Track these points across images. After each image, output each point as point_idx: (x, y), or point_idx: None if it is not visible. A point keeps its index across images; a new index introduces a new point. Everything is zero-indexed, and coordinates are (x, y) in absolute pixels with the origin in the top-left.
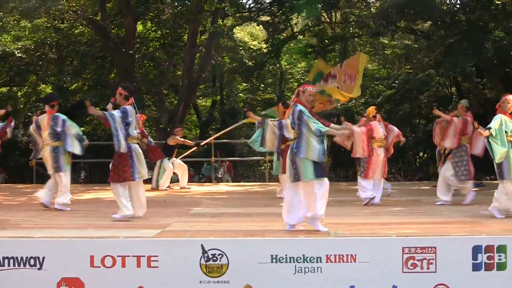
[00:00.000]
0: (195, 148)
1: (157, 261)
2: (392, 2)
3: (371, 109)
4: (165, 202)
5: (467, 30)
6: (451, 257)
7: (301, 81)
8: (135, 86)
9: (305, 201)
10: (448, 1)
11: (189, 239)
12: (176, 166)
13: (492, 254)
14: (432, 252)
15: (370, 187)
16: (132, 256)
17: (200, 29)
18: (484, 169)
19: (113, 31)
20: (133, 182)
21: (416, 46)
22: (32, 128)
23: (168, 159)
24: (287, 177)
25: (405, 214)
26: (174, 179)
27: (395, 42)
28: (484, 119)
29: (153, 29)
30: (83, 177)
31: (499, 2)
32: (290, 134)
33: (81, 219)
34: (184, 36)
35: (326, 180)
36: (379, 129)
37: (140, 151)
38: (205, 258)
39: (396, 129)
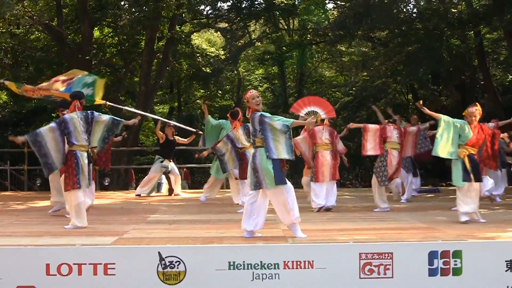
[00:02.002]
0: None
1: (114, 268)
2: (350, 11)
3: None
4: (122, 209)
5: (424, 39)
6: (408, 262)
7: (259, 87)
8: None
9: (263, 208)
10: (405, 10)
11: (146, 247)
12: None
13: (448, 260)
14: (388, 257)
15: (323, 192)
16: (89, 264)
17: (157, 35)
18: (440, 175)
19: (69, 36)
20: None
21: (373, 53)
22: None
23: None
24: (248, 185)
25: (362, 220)
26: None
27: (353, 50)
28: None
29: (110, 35)
30: (38, 184)
31: (455, 11)
32: (240, 143)
33: (36, 226)
34: (142, 42)
35: (290, 184)
36: (322, 133)
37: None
38: (162, 266)
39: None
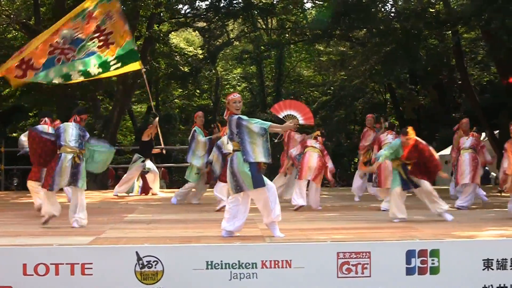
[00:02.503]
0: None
1: (91, 268)
2: (328, 11)
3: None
4: (99, 209)
5: (402, 38)
6: (385, 261)
7: (237, 87)
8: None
9: (244, 211)
10: (383, 10)
11: (124, 246)
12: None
13: (426, 259)
14: (366, 257)
15: (303, 191)
16: (66, 264)
17: (135, 34)
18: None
19: None
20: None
21: (352, 53)
22: None
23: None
24: (229, 189)
25: (339, 219)
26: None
27: (331, 49)
28: (417, 125)
29: None
30: (16, 184)
31: (433, 11)
32: (225, 148)
33: (13, 226)
34: None
35: (271, 183)
36: (313, 142)
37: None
38: (140, 265)
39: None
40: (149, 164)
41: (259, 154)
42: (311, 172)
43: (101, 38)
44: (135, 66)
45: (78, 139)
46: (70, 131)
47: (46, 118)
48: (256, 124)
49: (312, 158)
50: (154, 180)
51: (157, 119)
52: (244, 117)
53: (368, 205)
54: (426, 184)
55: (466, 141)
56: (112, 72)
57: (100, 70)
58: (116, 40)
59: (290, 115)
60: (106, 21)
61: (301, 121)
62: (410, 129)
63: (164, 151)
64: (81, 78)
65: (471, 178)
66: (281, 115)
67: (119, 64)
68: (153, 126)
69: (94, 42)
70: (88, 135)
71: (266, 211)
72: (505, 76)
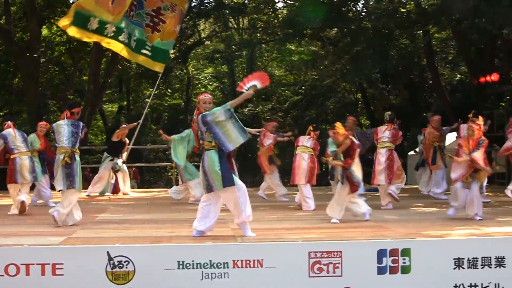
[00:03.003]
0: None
1: (62, 269)
2: (299, 10)
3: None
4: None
5: (373, 38)
6: (357, 261)
7: (208, 86)
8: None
9: (215, 211)
10: (354, 9)
11: (95, 246)
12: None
13: (397, 258)
14: (338, 256)
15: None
16: (37, 264)
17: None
18: None
19: (17, 35)
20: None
21: (323, 52)
22: None
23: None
24: (202, 188)
25: (311, 219)
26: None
27: (302, 49)
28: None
29: (58, 33)
30: None
31: (404, 10)
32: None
33: None
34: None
35: (241, 183)
36: (306, 141)
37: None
38: (111, 265)
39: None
40: (119, 163)
41: (236, 138)
42: (303, 176)
43: (155, 20)
44: (158, 66)
45: (71, 137)
46: (62, 130)
47: (9, 122)
48: (219, 112)
49: (303, 161)
50: (124, 180)
51: (137, 126)
52: (206, 112)
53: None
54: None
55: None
56: (137, 57)
57: (134, 45)
58: (163, 31)
59: (252, 86)
60: (168, 9)
61: (259, 86)
62: (338, 124)
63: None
64: (123, 42)
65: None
66: (244, 89)
67: (149, 54)
68: (126, 127)
69: (148, 17)
70: (82, 127)
71: (236, 211)
72: (475, 76)
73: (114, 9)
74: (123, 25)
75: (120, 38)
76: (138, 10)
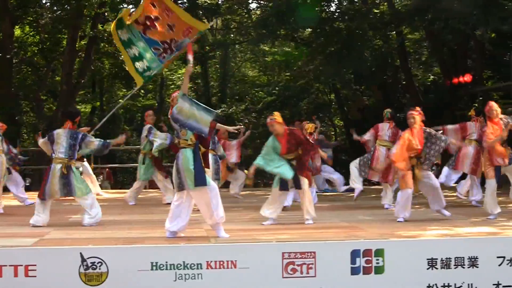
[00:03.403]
0: None
1: (35, 270)
2: (272, 11)
3: (310, 126)
4: None
5: (347, 39)
6: (330, 261)
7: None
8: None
9: (187, 210)
10: (327, 9)
11: (68, 248)
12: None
13: (370, 258)
14: (311, 257)
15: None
16: (9, 265)
17: (79, 34)
18: None
19: None
20: None
21: (297, 53)
22: None
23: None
24: (174, 186)
25: (284, 219)
26: None
27: (276, 49)
28: (362, 125)
29: (31, 33)
30: None
31: (377, 11)
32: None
33: None
34: (64, 41)
35: (213, 184)
36: None
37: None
38: (84, 267)
39: None
40: (81, 165)
41: (205, 118)
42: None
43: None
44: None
45: (69, 149)
46: (60, 141)
47: None
48: (180, 102)
49: None
50: (91, 181)
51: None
52: (173, 110)
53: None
54: (305, 184)
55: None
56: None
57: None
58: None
59: (190, 59)
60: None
61: (190, 58)
62: (276, 114)
63: None
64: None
65: None
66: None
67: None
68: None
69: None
70: (81, 138)
71: (208, 213)
72: (448, 77)
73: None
74: (146, 54)
75: (137, 64)
76: (172, 55)
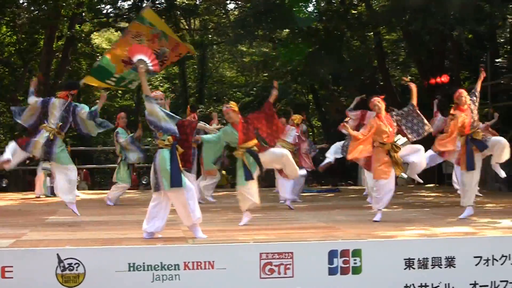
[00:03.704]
0: None
1: (12, 271)
2: (250, 11)
3: (298, 117)
4: (20, 211)
5: (325, 39)
6: (308, 262)
7: (159, 87)
8: None
9: (165, 211)
10: (305, 10)
11: (45, 249)
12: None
13: (348, 258)
14: (289, 257)
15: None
16: None
17: (57, 34)
18: (340, 175)
19: None
20: None
21: (274, 54)
22: None
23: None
24: (151, 186)
25: (262, 220)
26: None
27: (254, 50)
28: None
29: (8, 33)
30: None
31: (355, 12)
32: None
33: None
34: (41, 41)
35: (190, 185)
36: (289, 132)
37: None
38: (61, 268)
39: None
40: (45, 165)
41: (170, 120)
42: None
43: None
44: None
45: (61, 120)
46: (55, 112)
47: None
48: (147, 104)
49: None
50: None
51: None
52: (145, 112)
53: (293, 205)
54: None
55: None
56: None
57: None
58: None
59: (141, 60)
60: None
61: (150, 67)
62: (232, 103)
63: None
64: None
65: None
66: (135, 58)
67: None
68: None
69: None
70: (72, 109)
71: (185, 214)
72: (425, 77)
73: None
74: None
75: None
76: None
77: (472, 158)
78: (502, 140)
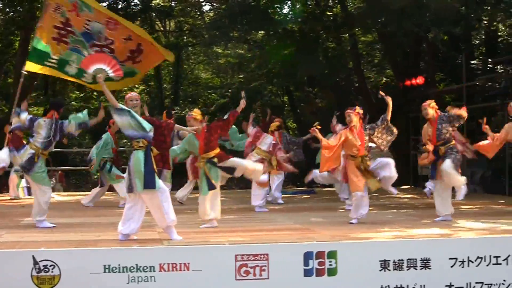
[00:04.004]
0: None
1: None
2: (225, 12)
3: (273, 125)
4: None
5: (300, 41)
6: (283, 263)
7: (135, 89)
8: None
9: (140, 213)
10: (280, 12)
11: (20, 251)
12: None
13: (323, 260)
14: (264, 259)
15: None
16: None
17: (32, 35)
18: None
19: None
20: None
21: (250, 55)
22: None
23: None
24: (125, 187)
25: (237, 221)
26: None
27: (229, 51)
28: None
29: None
30: None
31: (331, 14)
32: None
33: None
34: (16, 43)
35: (164, 186)
36: (264, 140)
37: None
38: (37, 270)
39: None
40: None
41: (144, 124)
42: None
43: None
44: (133, 81)
45: (47, 138)
46: (41, 131)
47: None
48: (115, 117)
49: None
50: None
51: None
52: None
53: (268, 207)
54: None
55: None
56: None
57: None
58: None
59: (98, 69)
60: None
61: (110, 74)
62: (195, 111)
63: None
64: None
65: None
66: (90, 69)
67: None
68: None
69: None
70: (59, 126)
71: (159, 215)
72: (401, 79)
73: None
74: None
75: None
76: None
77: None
78: (385, 160)
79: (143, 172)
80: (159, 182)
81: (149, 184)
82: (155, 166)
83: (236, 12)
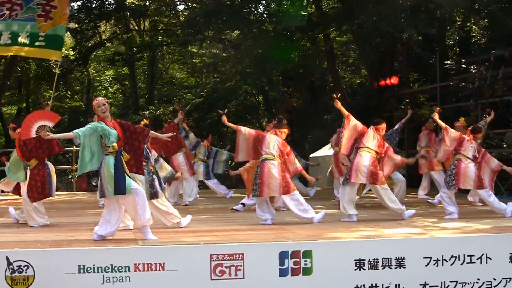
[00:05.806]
0: None
1: None
2: (200, 11)
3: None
4: None
5: (274, 40)
6: (259, 263)
7: (109, 88)
8: None
9: (118, 216)
10: (255, 11)
11: None
12: None
13: (298, 260)
14: (239, 258)
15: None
16: None
17: None
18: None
19: None
20: None
21: (225, 55)
22: None
23: None
24: (98, 192)
25: (213, 221)
26: None
27: (204, 51)
28: (290, 127)
29: None
30: None
31: (305, 13)
32: None
33: None
34: None
35: (139, 187)
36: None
37: None
38: (10, 270)
39: None
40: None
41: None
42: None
43: (46, 7)
44: (56, 55)
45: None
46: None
47: None
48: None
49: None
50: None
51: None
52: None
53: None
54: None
55: None
56: (31, 51)
57: (27, 41)
58: (55, 17)
59: (41, 126)
60: None
61: (51, 125)
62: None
63: None
64: (8, 42)
65: None
66: (32, 133)
67: (43, 44)
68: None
69: (39, 7)
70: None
71: (135, 215)
72: (375, 79)
73: None
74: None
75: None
76: (28, 5)
77: None
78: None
79: (113, 178)
80: (132, 184)
81: (119, 189)
82: (127, 170)
83: (210, 11)
